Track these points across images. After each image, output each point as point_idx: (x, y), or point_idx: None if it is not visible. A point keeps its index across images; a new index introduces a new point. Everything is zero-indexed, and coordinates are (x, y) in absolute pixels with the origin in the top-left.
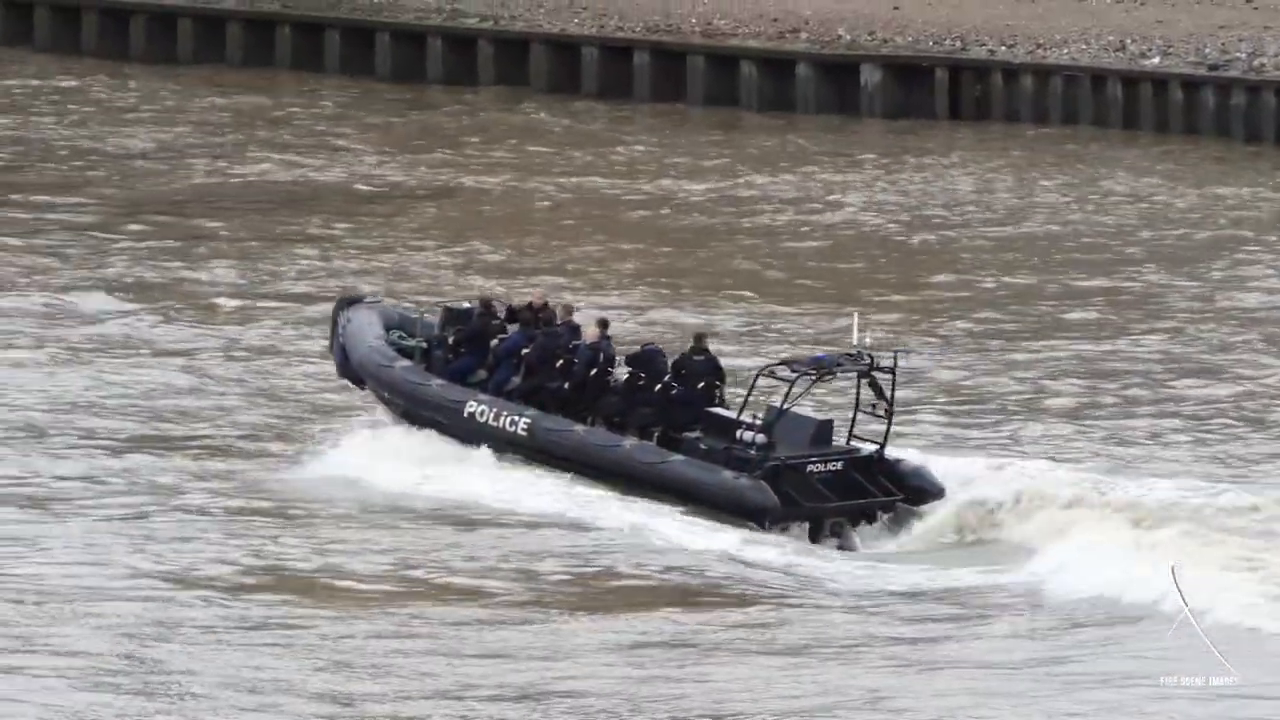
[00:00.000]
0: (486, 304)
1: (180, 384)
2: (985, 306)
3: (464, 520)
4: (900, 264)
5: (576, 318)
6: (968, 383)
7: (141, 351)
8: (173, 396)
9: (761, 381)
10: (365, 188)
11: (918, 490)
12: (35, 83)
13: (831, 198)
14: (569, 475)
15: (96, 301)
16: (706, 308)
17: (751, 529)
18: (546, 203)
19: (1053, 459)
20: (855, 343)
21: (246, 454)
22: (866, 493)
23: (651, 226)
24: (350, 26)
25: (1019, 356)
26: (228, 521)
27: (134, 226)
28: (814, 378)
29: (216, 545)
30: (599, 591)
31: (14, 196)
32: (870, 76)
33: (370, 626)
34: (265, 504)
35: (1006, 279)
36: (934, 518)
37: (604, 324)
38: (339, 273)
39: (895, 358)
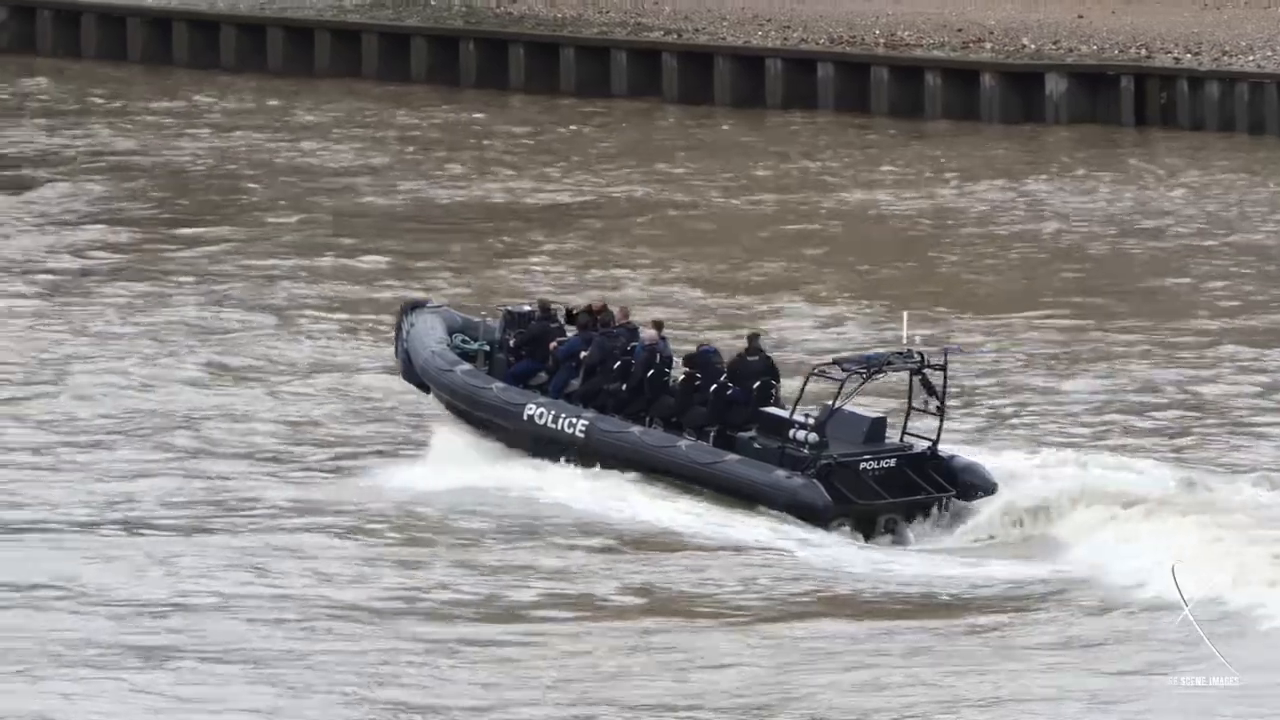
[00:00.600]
0: (545, 307)
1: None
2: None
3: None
4: (1121, 272)
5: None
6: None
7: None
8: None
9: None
10: (568, 201)
11: (970, 486)
12: (230, 105)
13: (1034, 207)
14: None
15: (308, 318)
16: (934, 321)
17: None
18: (751, 216)
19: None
20: (905, 340)
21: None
22: (919, 489)
23: (857, 238)
24: (534, 42)
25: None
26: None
27: (346, 242)
28: (864, 376)
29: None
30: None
31: (221, 215)
32: (1055, 85)
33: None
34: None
35: (1235, 286)
36: (985, 514)
37: (659, 325)
38: (562, 287)
39: (945, 355)
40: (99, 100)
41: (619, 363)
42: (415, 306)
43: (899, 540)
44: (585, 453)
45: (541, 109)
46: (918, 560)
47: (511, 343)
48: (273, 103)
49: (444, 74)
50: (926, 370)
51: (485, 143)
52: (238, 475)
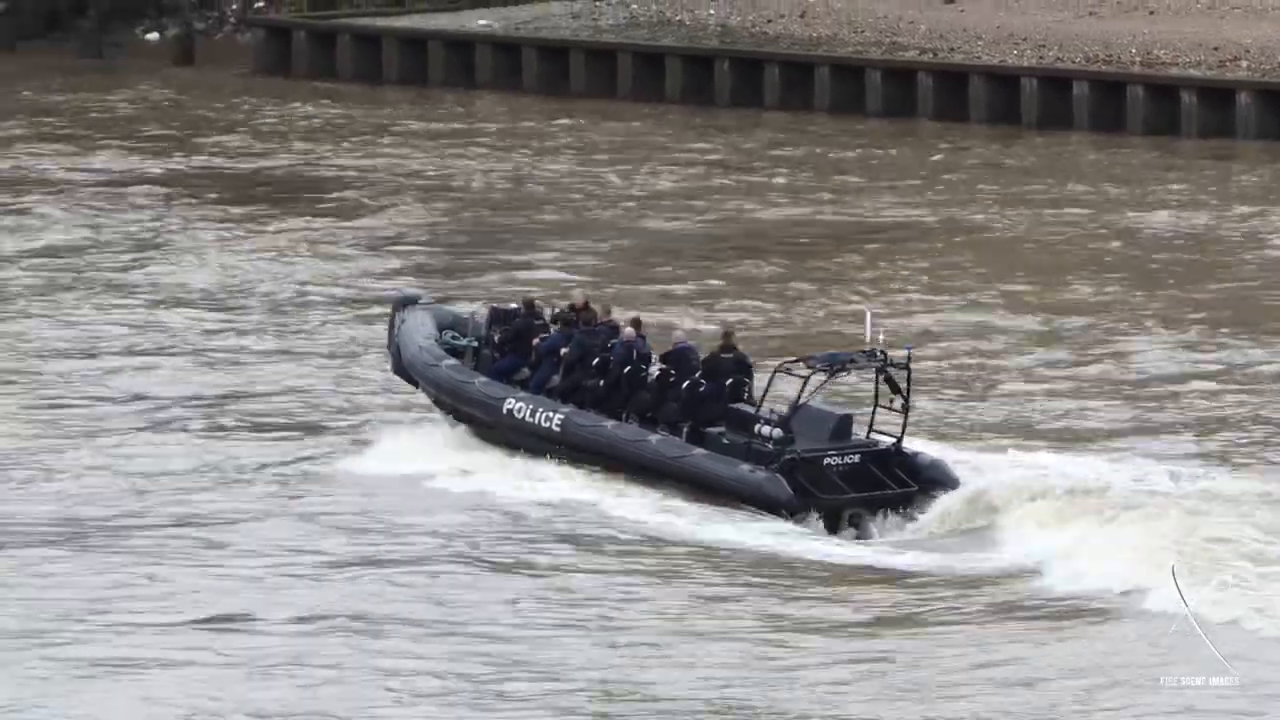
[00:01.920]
0: (529, 304)
1: None
2: None
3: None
4: None
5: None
6: None
7: None
8: None
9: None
10: (852, 221)
11: (933, 482)
12: (529, 124)
13: None
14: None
15: None
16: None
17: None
18: (1053, 236)
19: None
20: (869, 340)
21: None
22: (883, 485)
23: (1170, 260)
24: (789, 61)
25: None
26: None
27: (660, 265)
28: (828, 374)
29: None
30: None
31: (526, 239)
32: None
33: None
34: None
35: None
36: (942, 507)
37: (637, 323)
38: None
39: (909, 354)
40: (383, 122)
41: (597, 359)
42: (408, 302)
43: (863, 534)
44: (561, 446)
45: (797, 129)
46: (871, 553)
47: (496, 339)
48: (528, 123)
49: (698, 93)
50: (890, 369)
51: (777, 166)
52: None
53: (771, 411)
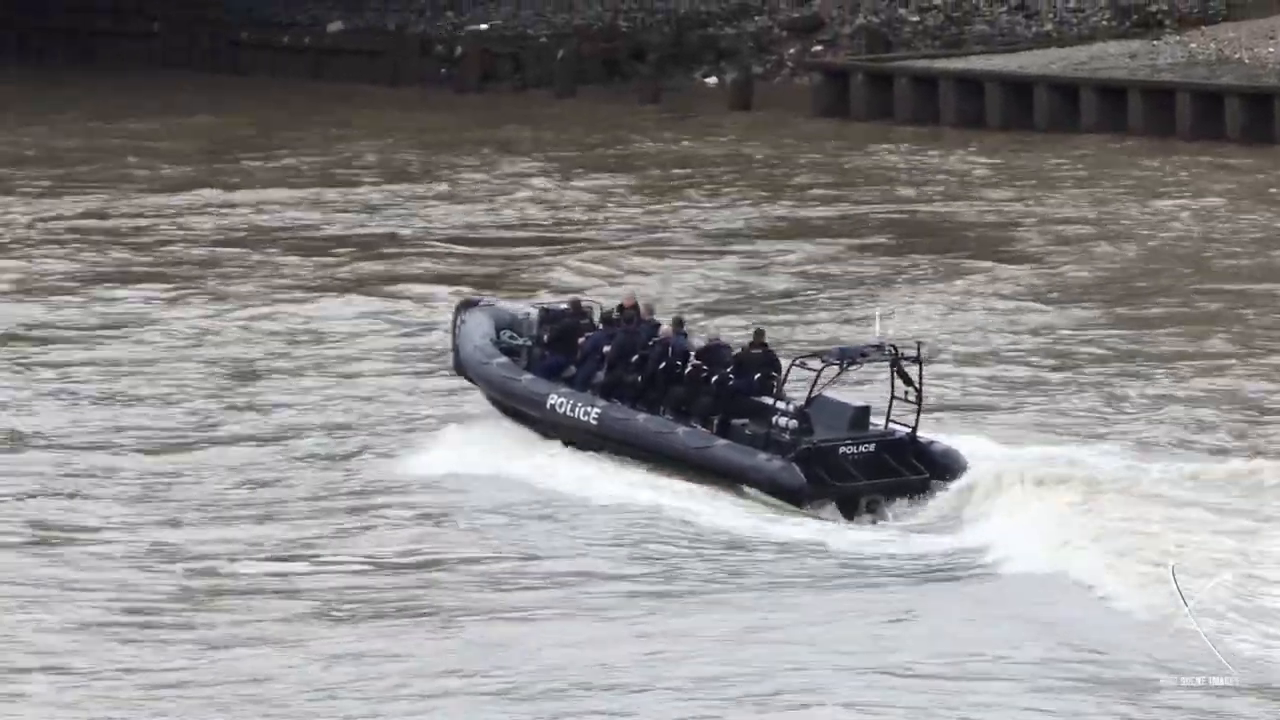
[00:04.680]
0: (576, 305)
1: None
2: None
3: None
4: None
5: None
6: None
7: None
8: None
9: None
10: None
11: (946, 470)
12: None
13: None
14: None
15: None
16: None
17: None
18: None
19: None
20: (878, 334)
21: None
22: (896, 472)
23: None
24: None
25: None
26: None
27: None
28: (840, 368)
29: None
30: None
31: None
32: None
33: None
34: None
35: None
36: (952, 493)
37: (679, 322)
38: None
39: (919, 348)
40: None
41: (637, 356)
42: (469, 304)
43: (879, 520)
44: (599, 439)
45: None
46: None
47: (545, 338)
48: (1155, 167)
49: (1258, 132)
50: (903, 362)
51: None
52: None
53: (789, 404)
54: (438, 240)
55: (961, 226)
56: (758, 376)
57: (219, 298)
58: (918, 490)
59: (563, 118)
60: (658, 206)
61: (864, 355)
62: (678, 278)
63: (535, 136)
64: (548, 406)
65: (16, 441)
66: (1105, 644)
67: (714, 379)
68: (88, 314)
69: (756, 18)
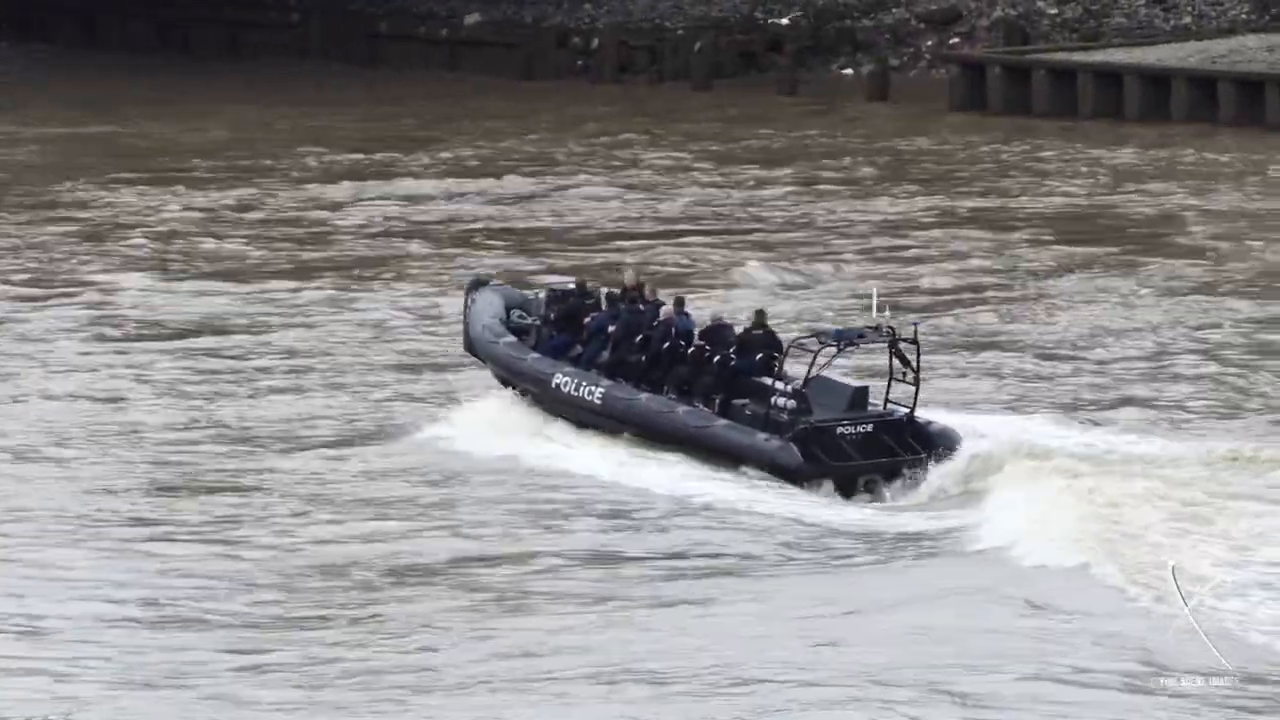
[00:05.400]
0: (582, 286)
1: None
2: None
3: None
4: None
5: None
6: None
7: None
8: None
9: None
10: None
11: (943, 449)
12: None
13: None
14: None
15: None
16: None
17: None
18: None
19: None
20: (875, 316)
21: None
22: (893, 452)
23: None
24: None
25: None
26: None
27: None
28: (837, 349)
29: None
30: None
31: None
32: None
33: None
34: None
35: None
36: (943, 472)
37: (680, 302)
38: None
39: (915, 329)
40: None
41: (641, 336)
42: (480, 284)
43: (876, 499)
44: (602, 418)
45: None
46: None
47: (552, 318)
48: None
49: None
50: (901, 343)
51: None
52: None
53: (789, 384)
54: (604, 232)
55: (1121, 220)
56: (759, 357)
57: (390, 287)
58: (914, 470)
59: (702, 110)
60: (809, 198)
61: (861, 337)
62: (848, 270)
63: (678, 129)
64: (553, 385)
65: (194, 430)
66: (1105, 635)
67: (716, 359)
68: (256, 304)
69: (894, 10)
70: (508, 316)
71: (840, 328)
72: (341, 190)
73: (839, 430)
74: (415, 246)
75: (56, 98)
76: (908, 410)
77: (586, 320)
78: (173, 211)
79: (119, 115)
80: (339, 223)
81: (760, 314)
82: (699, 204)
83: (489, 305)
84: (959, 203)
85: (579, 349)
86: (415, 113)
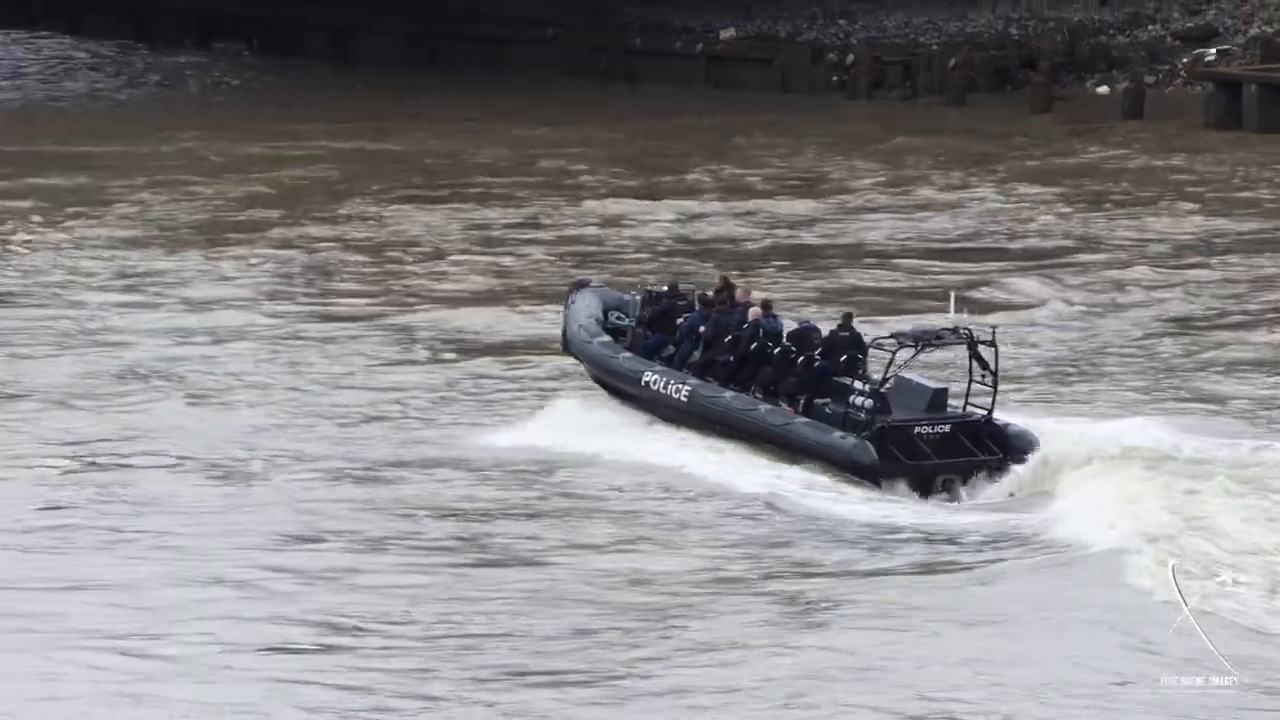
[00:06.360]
0: (674, 288)
1: None
2: None
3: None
4: None
5: None
6: None
7: None
8: None
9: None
10: None
11: (1018, 451)
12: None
13: None
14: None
15: None
16: None
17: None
18: None
19: None
20: (952, 317)
21: None
22: (970, 453)
23: None
24: None
25: None
26: None
27: None
28: (916, 349)
29: None
30: None
31: None
32: None
33: None
34: None
35: None
36: (1018, 475)
37: (767, 305)
38: None
39: (994, 332)
40: None
41: (730, 337)
42: (581, 285)
43: (953, 498)
44: (688, 415)
45: None
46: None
47: (646, 319)
48: None
49: None
50: (980, 346)
51: None
52: None
53: (866, 384)
54: (880, 251)
55: None
56: (843, 358)
57: None
58: (992, 470)
59: (959, 127)
60: (1087, 216)
61: (939, 338)
62: (1144, 293)
63: (937, 144)
64: (642, 384)
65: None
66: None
67: (801, 359)
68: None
69: (1150, 27)
70: (605, 318)
71: (921, 329)
72: (620, 207)
73: (916, 430)
74: (697, 264)
75: (317, 114)
76: (986, 411)
77: (679, 321)
78: (474, 229)
79: (389, 132)
80: (619, 240)
81: (847, 316)
82: (985, 223)
83: (586, 306)
84: (1239, 225)
85: (671, 349)
86: (680, 128)
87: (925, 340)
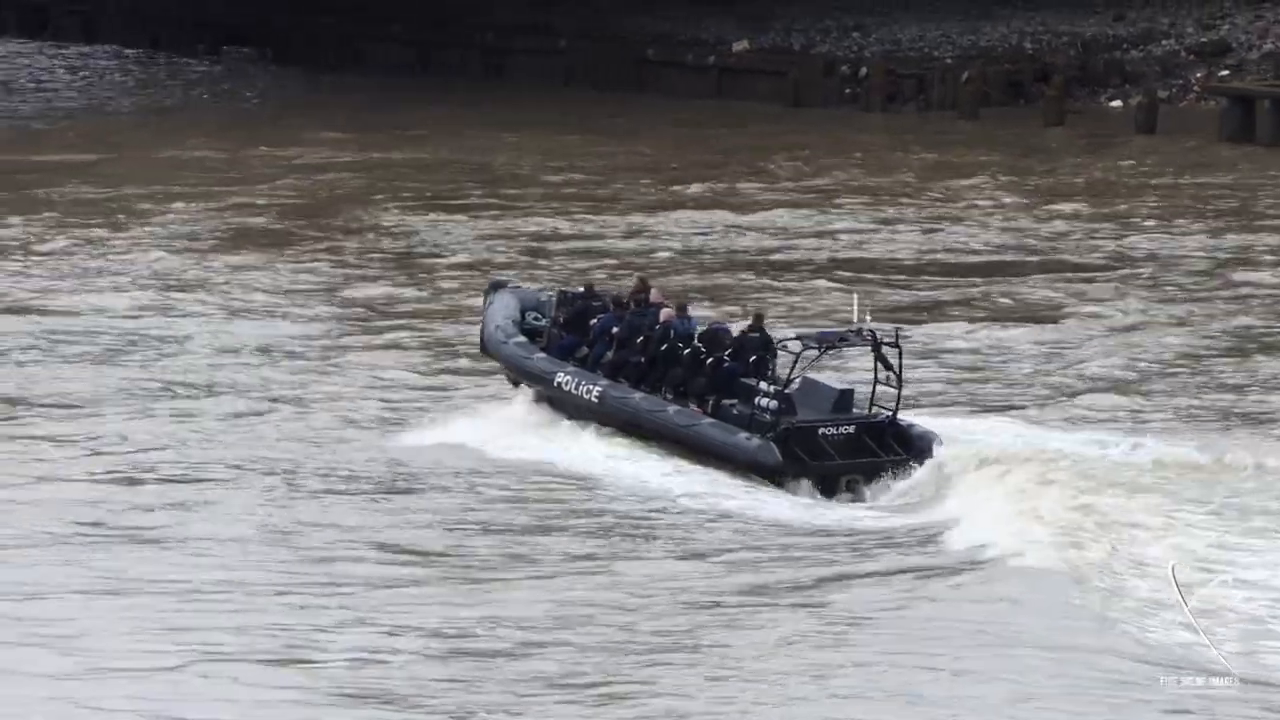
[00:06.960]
0: (589, 289)
1: None
2: None
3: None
4: None
5: None
6: None
7: None
8: None
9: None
10: None
11: (922, 452)
12: None
13: None
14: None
15: None
16: None
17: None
18: None
19: None
20: (856, 320)
21: None
22: (874, 454)
23: None
24: None
25: None
26: None
27: None
28: (819, 351)
29: None
30: None
31: None
32: None
33: None
34: None
35: None
36: (919, 475)
37: (682, 308)
38: None
39: (897, 334)
40: None
41: (642, 338)
42: (498, 286)
43: (857, 499)
44: (599, 416)
45: None
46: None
47: (561, 320)
48: None
49: None
50: (884, 347)
51: None
52: None
53: (772, 386)
54: (912, 266)
55: None
56: (752, 359)
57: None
58: (894, 471)
59: (974, 140)
60: (1109, 230)
61: (843, 340)
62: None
63: (949, 158)
64: (555, 384)
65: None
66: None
67: (710, 360)
68: None
69: (1164, 41)
70: (523, 318)
71: (824, 330)
72: (651, 219)
73: (820, 431)
74: (734, 278)
75: (329, 123)
76: (890, 413)
77: (593, 322)
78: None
79: (405, 140)
80: (659, 253)
81: (758, 317)
82: (997, 235)
83: (504, 307)
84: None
85: (585, 350)
86: (700, 140)
87: (829, 342)
